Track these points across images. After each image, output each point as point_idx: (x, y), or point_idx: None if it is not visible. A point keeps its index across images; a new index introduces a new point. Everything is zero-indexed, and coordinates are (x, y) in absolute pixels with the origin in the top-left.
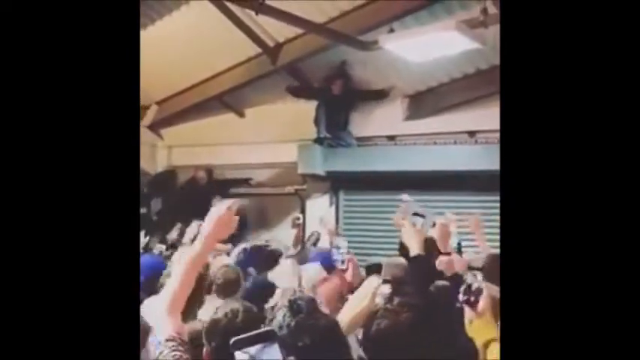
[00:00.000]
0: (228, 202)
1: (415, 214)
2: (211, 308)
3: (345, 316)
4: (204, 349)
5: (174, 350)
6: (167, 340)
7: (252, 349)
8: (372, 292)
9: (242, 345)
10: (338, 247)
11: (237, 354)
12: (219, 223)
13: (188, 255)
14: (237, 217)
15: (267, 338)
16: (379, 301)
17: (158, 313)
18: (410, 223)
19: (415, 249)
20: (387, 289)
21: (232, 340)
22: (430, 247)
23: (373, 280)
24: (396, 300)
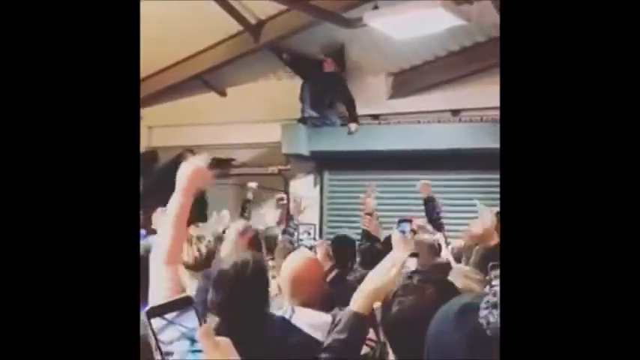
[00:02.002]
0: (199, 157)
1: (402, 220)
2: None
3: (367, 286)
4: (209, 300)
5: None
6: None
7: (169, 316)
8: (400, 263)
9: (158, 313)
10: (308, 233)
11: (154, 321)
12: (195, 176)
13: (171, 211)
14: (209, 169)
15: (184, 305)
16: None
17: (153, 269)
18: (399, 231)
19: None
20: (413, 263)
21: (147, 308)
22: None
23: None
24: (417, 277)
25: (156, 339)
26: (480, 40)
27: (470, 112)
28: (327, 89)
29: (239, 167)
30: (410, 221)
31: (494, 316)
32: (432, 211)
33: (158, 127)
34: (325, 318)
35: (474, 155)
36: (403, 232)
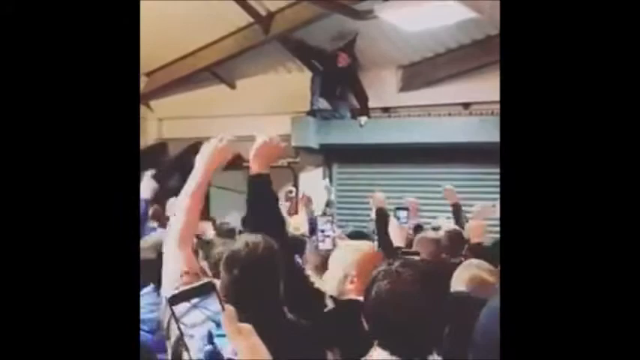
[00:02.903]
0: (220, 137)
1: (399, 208)
2: None
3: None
4: (220, 280)
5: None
6: (181, 276)
7: (193, 301)
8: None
9: (181, 299)
10: (322, 231)
11: (176, 307)
12: (216, 154)
13: (188, 189)
14: (230, 148)
15: (207, 291)
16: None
17: (167, 249)
18: (394, 217)
19: (398, 242)
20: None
21: (169, 295)
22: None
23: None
24: (397, 262)
25: (178, 326)
26: (492, 33)
27: (481, 105)
28: (339, 82)
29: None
30: (407, 209)
31: None
32: (460, 218)
33: (168, 119)
34: None
35: (485, 149)
36: (398, 218)
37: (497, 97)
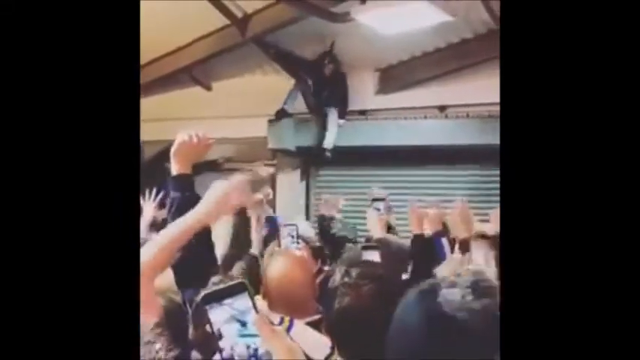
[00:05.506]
0: (238, 175)
1: (375, 199)
2: None
3: None
4: None
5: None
6: (152, 329)
7: (225, 301)
8: None
9: (213, 299)
10: (292, 237)
11: (209, 307)
12: (232, 194)
13: (184, 221)
14: (246, 191)
15: (238, 291)
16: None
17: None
18: (372, 209)
19: (378, 233)
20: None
21: (202, 294)
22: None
23: None
24: (354, 272)
25: (211, 327)
26: (467, 36)
27: (456, 108)
28: (325, 87)
29: (223, 163)
30: (384, 200)
31: (452, 295)
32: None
33: (143, 121)
34: (325, 340)
35: (461, 151)
36: (378, 209)
37: (472, 99)
